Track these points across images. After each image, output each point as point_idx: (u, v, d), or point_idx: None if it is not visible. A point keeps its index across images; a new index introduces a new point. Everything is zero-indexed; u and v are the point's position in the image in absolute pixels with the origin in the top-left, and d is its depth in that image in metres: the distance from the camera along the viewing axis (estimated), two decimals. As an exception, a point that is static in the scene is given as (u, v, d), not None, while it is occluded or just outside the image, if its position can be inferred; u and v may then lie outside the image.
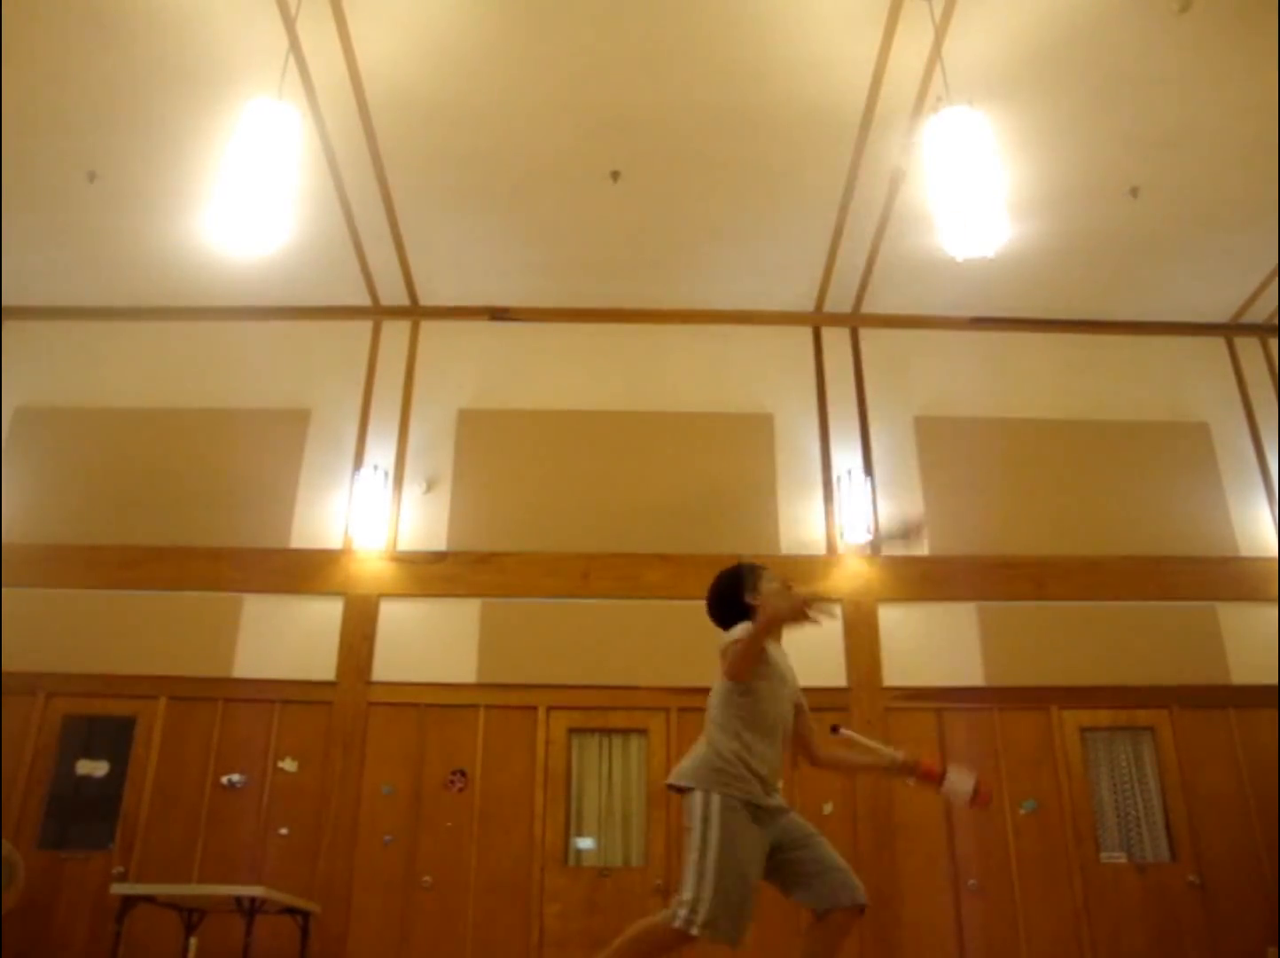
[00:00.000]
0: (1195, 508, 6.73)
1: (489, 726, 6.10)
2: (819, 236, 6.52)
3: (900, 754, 3.14)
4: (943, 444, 6.89)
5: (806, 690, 3.16)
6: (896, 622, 6.32)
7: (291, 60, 5.17)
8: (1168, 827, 5.95)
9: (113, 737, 6.08)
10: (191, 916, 4.98)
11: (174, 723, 6.06)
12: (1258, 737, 6.08)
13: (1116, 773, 6.12)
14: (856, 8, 4.97)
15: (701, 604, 3.15)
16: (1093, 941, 5.64)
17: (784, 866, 2.90)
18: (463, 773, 5.99)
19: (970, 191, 4.52)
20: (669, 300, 7.13)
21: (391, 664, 6.21)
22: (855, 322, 7.26)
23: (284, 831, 5.84)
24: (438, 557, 6.48)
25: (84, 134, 5.70)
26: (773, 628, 2.92)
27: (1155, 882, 5.80)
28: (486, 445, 6.85)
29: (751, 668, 2.90)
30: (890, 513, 6.50)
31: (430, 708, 6.12)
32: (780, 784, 2.98)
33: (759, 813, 2.85)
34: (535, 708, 6.14)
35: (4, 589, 6.25)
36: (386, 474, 6.65)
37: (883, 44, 5.14)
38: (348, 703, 6.09)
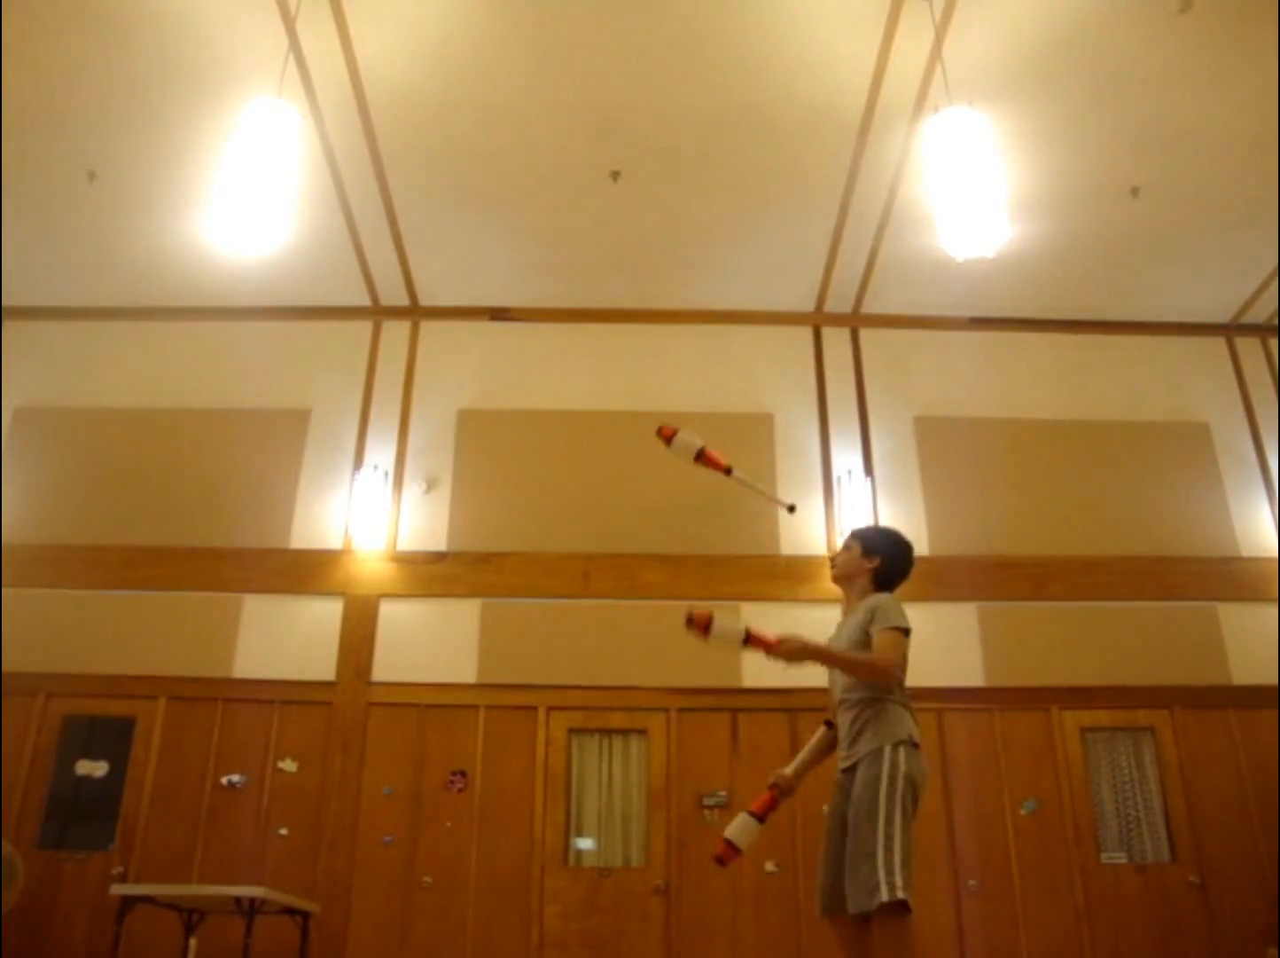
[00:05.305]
0: (1195, 508, 6.72)
1: (489, 726, 6.09)
2: (819, 236, 6.52)
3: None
4: (943, 444, 6.88)
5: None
6: (896, 622, 6.31)
7: (291, 60, 5.17)
8: (1168, 827, 5.94)
9: (112, 737, 6.07)
10: (191, 916, 4.99)
11: (174, 723, 6.06)
12: (1258, 737, 6.07)
13: (1117, 773, 6.12)
14: (856, 8, 4.97)
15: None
16: (1093, 941, 5.63)
17: None
18: (463, 773, 5.98)
19: (970, 191, 4.53)
20: (669, 300, 7.12)
21: (391, 664, 6.20)
22: (855, 322, 7.25)
23: (284, 831, 5.84)
24: (438, 557, 6.48)
25: (84, 134, 5.70)
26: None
27: (1156, 882, 5.79)
28: (486, 445, 6.84)
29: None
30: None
31: (430, 708, 6.11)
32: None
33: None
34: (535, 708, 6.13)
35: (4, 589, 6.25)
36: (386, 474, 6.65)
37: (883, 44, 5.13)
38: (347, 703, 6.09)
